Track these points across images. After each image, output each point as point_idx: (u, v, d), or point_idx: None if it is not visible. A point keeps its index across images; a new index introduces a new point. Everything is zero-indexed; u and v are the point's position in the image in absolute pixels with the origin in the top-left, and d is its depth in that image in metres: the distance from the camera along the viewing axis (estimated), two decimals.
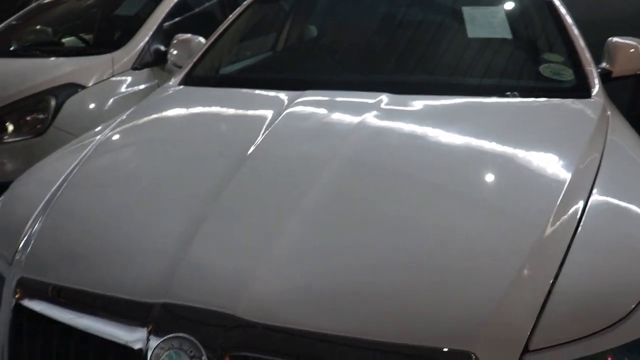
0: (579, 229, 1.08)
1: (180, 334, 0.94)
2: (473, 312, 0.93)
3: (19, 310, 1.12)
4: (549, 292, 0.96)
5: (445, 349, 0.88)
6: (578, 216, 1.11)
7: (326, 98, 1.64)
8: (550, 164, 1.28)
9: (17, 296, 1.13)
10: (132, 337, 0.97)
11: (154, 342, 0.94)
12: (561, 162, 1.28)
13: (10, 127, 2.57)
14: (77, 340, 1.03)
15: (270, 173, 1.28)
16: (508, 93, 1.62)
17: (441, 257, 1.02)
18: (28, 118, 2.58)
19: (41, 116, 2.58)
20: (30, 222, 1.30)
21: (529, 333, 0.91)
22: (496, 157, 1.32)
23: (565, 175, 1.21)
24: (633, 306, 0.96)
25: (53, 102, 2.59)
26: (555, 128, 1.47)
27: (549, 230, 1.07)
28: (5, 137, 2.55)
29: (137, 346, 0.96)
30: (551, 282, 0.98)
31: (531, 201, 1.15)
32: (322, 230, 1.09)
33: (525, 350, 0.90)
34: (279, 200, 1.17)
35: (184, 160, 1.41)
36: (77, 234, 1.23)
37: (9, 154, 2.53)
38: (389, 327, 0.91)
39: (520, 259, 1.00)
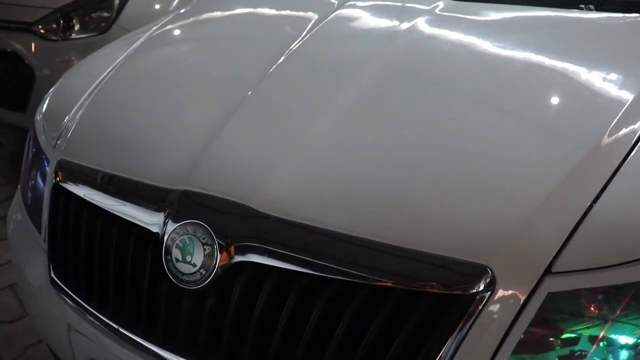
0: (632, 153, 0.98)
1: (195, 221, 0.95)
2: (496, 226, 0.87)
3: (58, 190, 1.19)
4: (584, 215, 0.88)
5: (460, 260, 0.84)
6: (633, 141, 1.00)
7: (377, 2, 1.54)
8: (613, 84, 1.14)
9: (56, 177, 1.19)
10: (152, 220, 1.00)
11: (171, 226, 0.96)
12: (626, 83, 1.14)
13: (77, 24, 2.63)
14: (104, 220, 1.07)
15: (308, 71, 1.23)
16: (582, 6, 1.45)
17: (473, 168, 0.95)
18: (93, 15, 2.63)
19: (105, 14, 2.62)
20: (74, 109, 1.35)
21: (553, 255, 0.85)
22: (554, 73, 1.19)
23: (628, 97, 1.08)
24: None
25: (117, 0, 2.62)
26: (627, 46, 1.31)
27: (596, 151, 0.97)
28: (72, 34, 2.63)
29: (155, 229, 0.99)
30: (589, 204, 0.89)
31: (583, 120, 1.05)
32: (352, 130, 1.04)
33: (548, 271, 0.84)
34: (312, 97, 1.13)
35: (226, 56, 1.40)
36: (114, 122, 1.27)
37: (75, 50, 2.61)
38: (404, 232, 0.88)
39: (558, 177, 0.92)
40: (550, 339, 0.86)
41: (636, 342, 0.85)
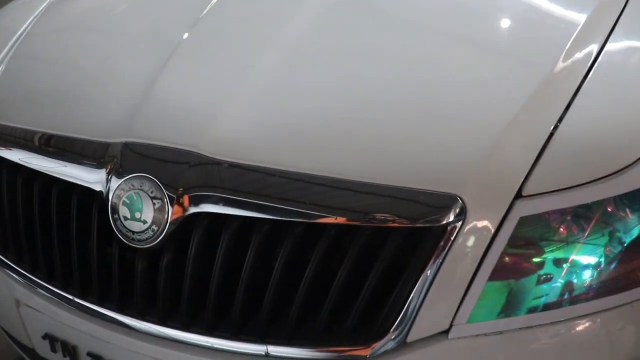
0: (591, 73, 0.94)
1: (140, 174, 0.87)
2: (463, 154, 0.83)
3: None
4: (550, 137, 0.85)
5: (428, 191, 0.80)
6: (591, 60, 0.96)
7: None
8: (566, 6, 1.10)
9: None
10: (94, 178, 0.91)
11: (115, 183, 0.88)
12: (578, 4, 1.10)
13: None
14: (43, 183, 0.98)
15: (248, 6, 1.14)
16: None
17: (433, 97, 0.90)
18: None
19: None
20: None
21: (523, 178, 0.81)
22: None
23: (581, 16, 1.04)
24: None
25: None
26: None
27: (555, 72, 0.93)
28: None
29: (98, 188, 0.90)
30: (553, 126, 0.86)
31: (539, 43, 1.01)
32: (302, 64, 0.97)
33: (518, 195, 0.81)
34: (255, 33, 1.05)
35: (154, 3, 1.27)
36: (41, 78, 1.15)
37: None
38: (367, 167, 0.83)
39: (519, 101, 0.88)
40: (525, 263, 0.84)
41: (598, 261, 0.84)
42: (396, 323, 0.81)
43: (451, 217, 0.79)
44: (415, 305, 0.80)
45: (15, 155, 1.03)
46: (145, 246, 0.86)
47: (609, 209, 0.84)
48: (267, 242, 0.83)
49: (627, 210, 0.86)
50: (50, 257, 0.99)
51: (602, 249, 0.84)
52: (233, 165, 0.85)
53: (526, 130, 0.85)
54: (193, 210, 0.84)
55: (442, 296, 0.81)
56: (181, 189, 0.85)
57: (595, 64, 0.96)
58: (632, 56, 1.01)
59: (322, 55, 0.99)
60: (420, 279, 0.80)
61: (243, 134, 0.88)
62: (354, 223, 0.79)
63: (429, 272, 0.80)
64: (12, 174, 1.03)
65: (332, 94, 0.92)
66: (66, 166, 0.95)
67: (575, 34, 1.00)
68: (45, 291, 1.00)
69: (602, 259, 0.85)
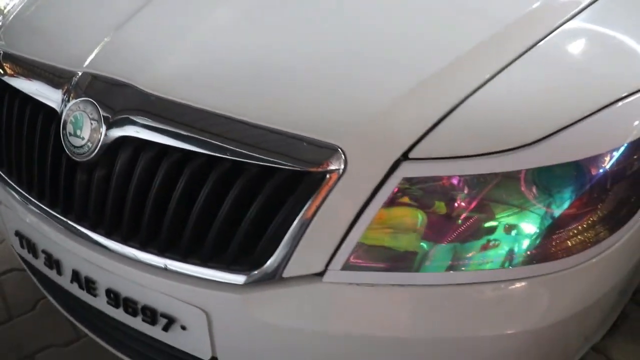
0: (530, 50, 0.95)
1: (86, 98, 1.00)
2: (355, 109, 0.87)
3: None
4: (457, 105, 0.87)
5: (311, 139, 0.85)
6: (534, 40, 0.97)
7: None
8: None
9: None
10: (54, 98, 1.06)
11: (67, 104, 1.02)
12: None
13: None
14: (18, 99, 1.15)
15: None
16: None
17: (349, 53, 0.95)
18: None
19: None
20: None
21: (413, 141, 0.85)
22: None
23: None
24: (548, 133, 0.85)
25: None
26: None
27: (486, 44, 0.94)
28: None
29: (56, 106, 1.05)
30: (464, 96, 0.88)
31: (477, 14, 1.02)
32: (243, 20, 1.05)
33: (405, 157, 0.85)
34: None
35: None
36: (33, 10, 1.32)
37: None
38: (266, 111, 0.89)
39: (436, 66, 0.91)
40: (404, 222, 0.87)
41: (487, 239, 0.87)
42: (273, 257, 0.88)
43: (329, 166, 0.84)
44: (292, 244, 0.87)
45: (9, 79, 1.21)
46: (82, 159, 0.99)
47: (502, 184, 0.86)
48: (175, 168, 0.93)
49: (520, 189, 0.87)
50: (19, 165, 1.15)
51: (483, 223, 0.86)
52: (159, 99, 0.96)
53: (433, 96, 0.88)
54: (119, 132, 0.96)
55: (318, 240, 0.87)
56: (113, 113, 0.97)
57: (537, 44, 0.97)
58: (576, 40, 1.00)
59: (263, 14, 1.06)
60: (297, 219, 0.86)
61: (175, 75, 0.97)
62: (241, 160, 0.87)
63: (306, 214, 0.86)
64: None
65: (258, 47, 0.99)
66: (37, 87, 1.10)
67: (526, 12, 1.00)
68: (16, 193, 1.17)
69: (481, 232, 0.87)
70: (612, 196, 0.92)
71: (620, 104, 0.91)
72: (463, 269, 0.87)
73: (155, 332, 1.02)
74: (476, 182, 0.86)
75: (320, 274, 0.88)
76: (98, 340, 1.23)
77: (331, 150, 0.85)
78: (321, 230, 0.86)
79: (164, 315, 0.99)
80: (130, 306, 1.02)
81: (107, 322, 1.12)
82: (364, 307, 0.88)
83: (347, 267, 0.88)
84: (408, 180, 0.85)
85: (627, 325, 1.62)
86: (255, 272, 0.89)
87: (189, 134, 0.91)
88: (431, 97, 0.88)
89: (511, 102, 0.89)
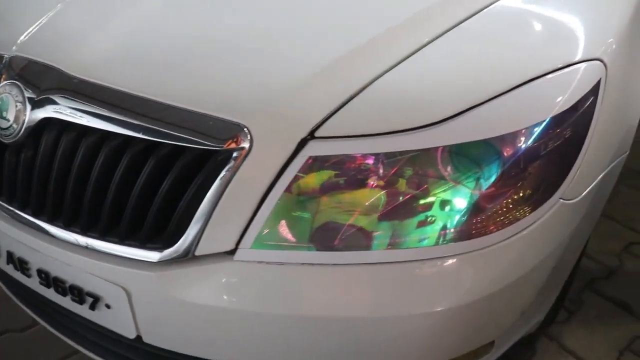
0: (447, 33, 0.96)
1: (12, 81, 1.02)
2: (262, 88, 0.89)
3: None
4: (368, 85, 0.88)
5: (217, 117, 0.86)
6: (463, 15, 0.98)
7: None
8: None
9: None
10: None
11: None
12: None
13: None
14: None
15: None
16: None
17: (261, 35, 0.96)
18: None
19: None
20: None
21: (320, 120, 0.86)
22: None
23: None
24: (458, 111, 0.86)
25: None
26: None
27: (406, 25, 0.96)
28: None
29: None
30: (375, 76, 0.89)
31: None
32: (173, 8, 1.06)
33: (312, 136, 0.86)
34: None
35: None
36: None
37: None
38: (183, 93, 0.90)
39: (352, 45, 0.92)
40: (308, 202, 0.88)
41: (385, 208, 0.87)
42: (184, 236, 0.89)
43: (234, 144, 0.85)
44: (202, 223, 0.88)
45: None
46: (9, 141, 1.01)
47: (414, 162, 0.87)
48: (94, 148, 0.94)
49: (435, 167, 0.88)
50: None
51: (394, 201, 0.87)
52: (81, 81, 0.97)
53: (342, 76, 0.89)
54: (43, 114, 0.97)
55: (227, 219, 0.88)
56: (37, 95, 0.98)
57: (458, 25, 0.98)
58: (497, 22, 1.00)
59: (192, 3, 1.08)
60: (206, 198, 0.87)
61: (98, 58, 0.99)
62: (153, 139, 0.88)
63: (214, 193, 0.87)
64: None
65: (176, 31, 1.01)
66: None
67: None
68: None
69: (394, 211, 0.87)
70: (530, 174, 0.92)
71: (534, 83, 0.92)
72: (374, 248, 0.88)
73: (83, 311, 1.04)
74: (385, 160, 0.87)
75: (232, 253, 0.90)
76: (43, 323, 1.26)
77: (236, 129, 0.86)
78: (230, 209, 0.88)
79: (89, 294, 1.01)
80: (59, 286, 1.04)
81: (47, 304, 1.14)
82: (274, 286, 0.89)
83: (256, 245, 0.89)
84: (315, 158, 0.86)
85: (582, 312, 1.63)
86: (168, 250, 0.91)
87: (106, 114, 0.92)
88: (341, 76, 0.89)
89: (424, 81, 0.90)
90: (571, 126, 0.94)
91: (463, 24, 0.98)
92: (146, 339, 1.00)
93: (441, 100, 0.88)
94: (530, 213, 0.93)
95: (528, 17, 1.03)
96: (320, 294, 0.89)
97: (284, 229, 0.88)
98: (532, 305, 1.07)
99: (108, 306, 1.00)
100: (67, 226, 0.99)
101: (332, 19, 0.98)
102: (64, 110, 0.96)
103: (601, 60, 0.99)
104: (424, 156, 0.87)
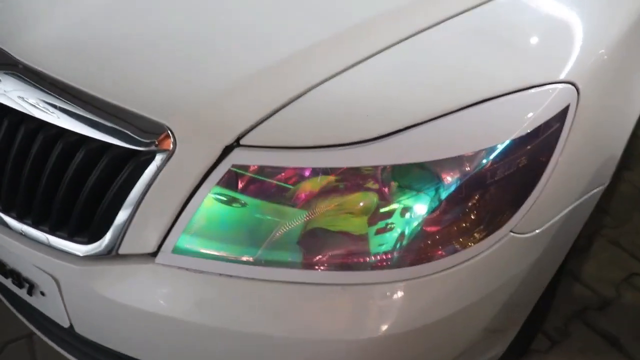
0: (396, 45, 0.90)
1: None
2: (191, 90, 0.85)
3: None
4: (300, 96, 0.84)
5: (144, 115, 0.84)
6: (418, 27, 0.91)
7: None
8: None
9: None
10: None
11: None
12: None
13: None
14: None
15: None
16: None
17: (198, 37, 0.92)
18: None
19: None
20: None
21: (246, 128, 0.82)
22: None
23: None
24: (389, 131, 0.80)
25: None
26: None
27: (352, 34, 0.90)
28: None
29: None
30: (316, 83, 0.84)
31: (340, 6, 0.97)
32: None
33: (237, 143, 0.82)
34: None
35: None
36: None
37: None
38: (117, 89, 0.88)
39: (284, 52, 0.87)
40: (232, 211, 0.84)
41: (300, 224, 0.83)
42: (108, 233, 0.88)
43: (156, 145, 0.82)
44: (125, 222, 0.86)
45: None
46: None
47: (341, 180, 0.82)
48: (29, 137, 0.93)
49: (366, 189, 0.82)
50: None
51: (316, 219, 0.83)
52: (27, 68, 0.96)
53: (274, 84, 0.85)
54: None
55: (149, 221, 0.86)
56: None
57: (415, 36, 0.91)
58: (456, 37, 0.93)
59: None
60: (128, 198, 0.85)
61: (46, 44, 0.97)
62: (81, 133, 0.86)
63: (136, 193, 0.85)
64: None
65: (122, 27, 0.97)
66: None
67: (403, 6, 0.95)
68: None
69: (316, 229, 0.83)
70: (474, 204, 0.86)
71: (488, 104, 0.84)
72: (293, 266, 0.84)
73: (23, 295, 1.05)
74: (313, 176, 0.82)
75: (154, 255, 0.88)
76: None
77: (160, 129, 0.83)
78: (151, 211, 0.85)
79: (26, 280, 1.01)
80: (1, 268, 1.05)
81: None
82: (191, 293, 0.86)
83: (177, 250, 0.86)
84: (239, 167, 0.82)
85: (566, 343, 1.54)
86: (92, 245, 0.90)
87: (44, 103, 0.91)
88: (273, 85, 0.85)
89: (365, 93, 0.85)
90: (528, 154, 0.86)
91: (421, 34, 0.91)
92: (77, 329, 1.00)
93: (378, 116, 0.82)
94: (472, 245, 0.86)
95: (495, 31, 0.95)
96: (233, 307, 0.85)
97: (205, 237, 0.85)
98: (480, 343, 1.00)
99: (42, 293, 1.00)
100: (5, 211, 0.99)
101: (276, 21, 0.93)
102: (6, 94, 0.95)
103: (573, 84, 0.91)
104: (354, 175, 0.81)
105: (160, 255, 0.87)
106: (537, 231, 0.92)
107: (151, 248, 0.87)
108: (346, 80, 0.85)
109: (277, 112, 0.83)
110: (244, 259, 0.84)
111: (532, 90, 0.87)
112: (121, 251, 0.88)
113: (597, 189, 1.04)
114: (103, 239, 0.89)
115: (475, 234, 0.86)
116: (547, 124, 0.87)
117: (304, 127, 0.82)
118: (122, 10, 1.00)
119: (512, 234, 0.89)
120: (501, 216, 0.87)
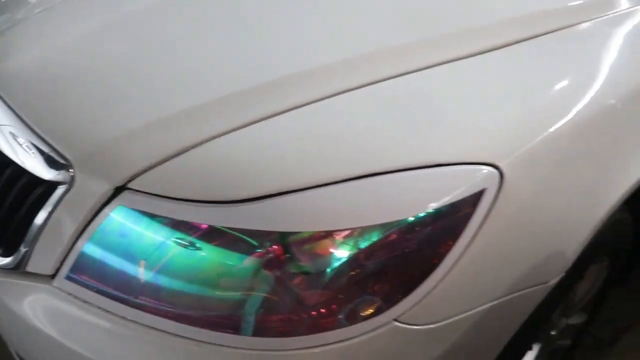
0: (322, 102, 0.87)
1: None
2: (93, 130, 0.90)
3: None
4: (198, 145, 0.84)
5: (55, 147, 0.90)
6: (335, 90, 0.87)
7: None
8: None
9: None
10: None
11: None
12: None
13: None
14: None
15: None
16: None
17: (121, 77, 0.97)
18: None
19: None
20: None
21: (136, 171, 0.84)
22: None
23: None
24: (256, 195, 0.78)
25: None
26: None
27: (272, 85, 0.90)
28: None
29: None
30: (213, 135, 0.85)
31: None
32: (99, 36, 1.11)
33: (126, 185, 0.84)
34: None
35: None
36: None
37: None
38: (44, 118, 0.95)
39: (195, 100, 0.89)
40: (117, 250, 0.86)
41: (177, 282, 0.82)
42: (18, 249, 0.94)
43: (53, 177, 0.88)
44: (31, 241, 0.92)
45: None
46: None
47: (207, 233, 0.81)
48: None
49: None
50: None
51: (185, 274, 0.82)
52: None
53: (176, 130, 0.86)
54: None
55: (49, 245, 0.91)
56: None
57: (332, 97, 0.88)
58: (379, 102, 0.87)
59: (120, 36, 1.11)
60: (34, 222, 0.91)
61: (12, 69, 1.08)
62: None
63: (41, 218, 0.90)
64: None
65: (72, 63, 1.05)
66: None
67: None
68: None
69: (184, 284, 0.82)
70: (347, 283, 0.79)
71: (376, 179, 0.78)
72: (165, 316, 0.84)
73: None
74: (184, 228, 0.82)
75: (53, 277, 0.92)
76: None
77: (61, 164, 0.88)
78: (52, 237, 0.90)
79: None
80: None
81: None
82: (74, 322, 0.90)
83: (69, 277, 0.90)
84: (125, 209, 0.85)
85: None
86: (7, 259, 0.96)
87: None
88: (174, 130, 0.86)
89: (253, 152, 0.83)
90: (419, 239, 0.78)
91: (333, 98, 0.87)
92: (3, 336, 1.08)
93: (255, 178, 0.79)
94: (343, 327, 0.80)
95: (413, 102, 0.87)
96: (106, 346, 0.87)
97: (92, 270, 0.88)
98: None
99: None
100: None
101: (187, 72, 0.96)
102: None
103: (496, 167, 0.81)
104: (216, 234, 0.80)
105: (56, 279, 0.92)
106: (435, 325, 0.83)
107: (50, 271, 0.92)
108: (245, 135, 0.84)
109: (168, 160, 0.84)
110: (122, 296, 0.86)
111: (440, 169, 0.80)
112: (28, 268, 0.95)
113: (535, 287, 0.91)
114: (16, 254, 0.95)
115: (345, 317, 0.80)
116: (451, 209, 0.79)
117: (186, 178, 0.83)
118: (80, 46, 1.08)
119: (396, 323, 0.81)
120: (381, 302, 0.80)
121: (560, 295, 1.04)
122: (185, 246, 0.82)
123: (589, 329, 1.45)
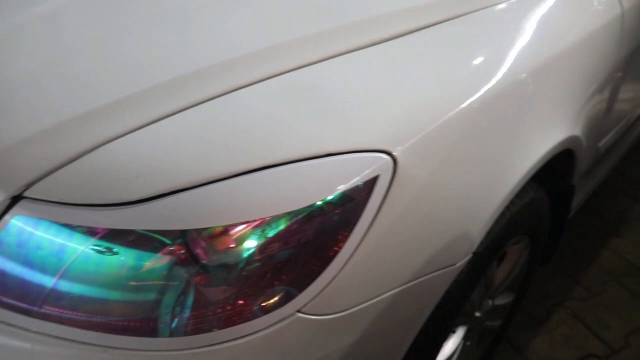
0: (223, 96, 0.88)
1: None
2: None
3: None
4: (94, 149, 0.83)
5: None
6: (224, 89, 0.88)
7: None
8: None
9: None
10: None
11: None
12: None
13: None
14: None
15: None
16: None
17: (22, 81, 0.95)
18: None
19: None
20: None
21: (32, 179, 0.82)
22: None
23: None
24: (154, 194, 0.78)
25: None
26: None
27: (173, 83, 0.90)
28: None
29: None
30: (111, 137, 0.84)
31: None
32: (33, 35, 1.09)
33: (22, 195, 0.83)
34: None
35: None
36: None
37: None
38: None
39: (90, 103, 0.88)
40: (10, 264, 0.84)
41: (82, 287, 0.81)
42: None
43: None
44: None
45: None
46: None
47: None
48: None
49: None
50: None
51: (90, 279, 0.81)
52: None
53: (73, 134, 0.85)
54: None
55: None
56: None
57: (222, 96, 0.88)
58: (273, 94, 0.88)
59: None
60: None
61: None
62: None
63: None
64: None
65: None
66: None
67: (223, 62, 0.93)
68: None
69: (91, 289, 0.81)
70: (243, 276, 0.80)
71: (269, 171, 0.79)
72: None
73: None
74: (84, 233, 0.81)
75: None
76: None
77: None
78: None
79: None
80: None
81: None
82: None
83: None
84: (23, 218, 0.83)
85: None
86: None
87: None
88: (71, 135, 0.85)
89: (153, 152, 0.83)
90: (311, 232, 0.80)
91: (236, 92, 0.88)
92: None
93: (150, 177, 0.79)
94: (249, 321, 0.81)
95: (311, 93, 0.88)
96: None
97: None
98: None
99: None
100: None
101: (92, 72, 0.94)
102: None
103: (389, 154, 0.83)
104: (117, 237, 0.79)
105: None
106: (339, 314, 0.85)
107: None
108: (138, 138, 0.84)
109: (65, 166, 0.83)
110: (22, 306, 0.85)
111: (332, 158, 0.81)
112: None
113: (442, 270, 0.94)
114: None
115: (258, 309, 0.81)
116: (345, 197, 0.80)
117: (83, 183, 0.82)
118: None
119: (300, 314, 0.82)
120: (282, 294, 0.81)
121: (474, 276, 1.07)
122: (87, 251, 0.81)
123: (521, 307, 1.50)
